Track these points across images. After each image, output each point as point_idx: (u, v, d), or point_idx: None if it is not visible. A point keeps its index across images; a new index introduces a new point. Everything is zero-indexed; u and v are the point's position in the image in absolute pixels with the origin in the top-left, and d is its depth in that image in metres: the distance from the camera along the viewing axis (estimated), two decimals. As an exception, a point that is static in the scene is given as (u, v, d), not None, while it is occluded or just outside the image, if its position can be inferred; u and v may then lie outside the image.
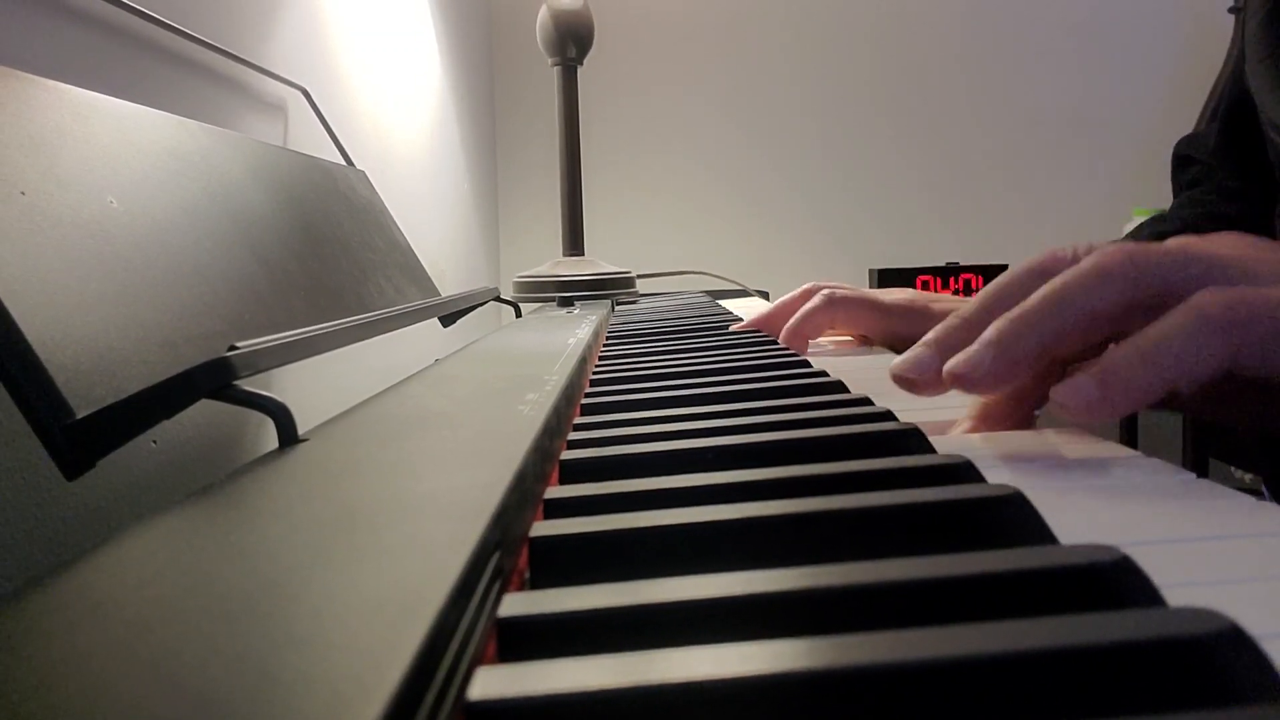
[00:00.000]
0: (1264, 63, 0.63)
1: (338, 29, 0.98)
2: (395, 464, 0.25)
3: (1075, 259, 0.34)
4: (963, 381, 0.31)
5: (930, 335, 0.35)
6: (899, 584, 0.17)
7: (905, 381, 0.34)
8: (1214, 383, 0.29)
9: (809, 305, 0.65)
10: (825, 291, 0.65)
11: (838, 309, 0.64)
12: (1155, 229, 0.80)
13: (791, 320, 0.65)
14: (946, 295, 0.70)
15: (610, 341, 0.69)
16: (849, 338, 0.70)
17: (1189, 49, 2.03)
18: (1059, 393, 0.29)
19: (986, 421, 0.36)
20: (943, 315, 0.63)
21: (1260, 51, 0.63)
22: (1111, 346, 0.29)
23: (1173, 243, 0.34)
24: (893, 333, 0.65)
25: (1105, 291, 0.30)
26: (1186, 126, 0.81)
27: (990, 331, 0.31)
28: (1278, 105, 0.61)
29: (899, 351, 0.66)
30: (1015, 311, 0.31)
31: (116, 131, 0.41)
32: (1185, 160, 0.86)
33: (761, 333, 0.67)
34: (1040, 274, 0.34)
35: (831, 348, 0.67)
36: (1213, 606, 0.15)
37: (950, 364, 0.32)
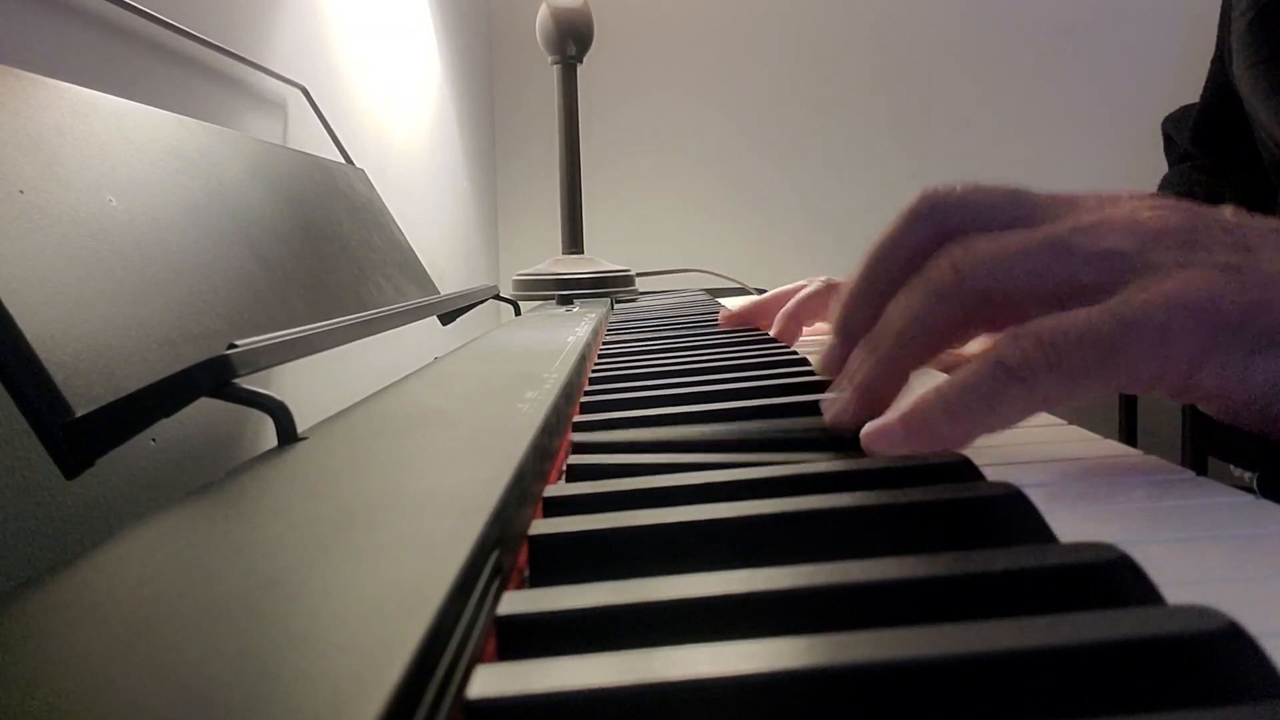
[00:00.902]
0: (1253, 69, 0.63)
1: (337, 27, 0.98)
2: (395, 462, 0.25)
3: (945, 205, 0.35)
4: (837, 425, 0.33)
5: (833, 321, 0.37)
6: (898, 582, 0.17)
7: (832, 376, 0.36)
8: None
9: (808, 289, 0.65)
10: (824, 279, 0.66)
11: (835, 295, 0.64)
12: None
13: (789, 304, 0.65)
14: None
15: (609, 339, 0.69)
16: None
17: (1187, 49, 2.02)
18: (868, 432, 0.30)
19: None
20: None
21: (1248, 57, 0.63)
22: (921, 393, 0.30)
23: (1045, 198, 0.35)
24: None
25: (939, 311, 0.32)
26: (1189, 101, 0.81)
27: (854, 373, 0.34)
28: (1272, 113, 0.61)
29: None
30: (868, 349, 0.34)
31: (116, 130, 0.41)
32: (1170, 138, 0.87)
33: (759, 330, 0.67)
34: (915, 220, 0.36)
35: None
36: (1211, 604, 0.15)
37: (826, 414, 0.34)
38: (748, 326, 0.69)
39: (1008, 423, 0.29)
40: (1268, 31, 0.61)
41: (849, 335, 0.36)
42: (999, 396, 0.28)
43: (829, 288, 0.65)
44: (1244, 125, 0.69)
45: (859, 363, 0.34)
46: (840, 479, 0.25)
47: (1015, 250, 0.31)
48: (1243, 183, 0.74)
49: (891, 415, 0.30)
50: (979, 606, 0.17)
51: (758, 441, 0.32)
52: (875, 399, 0.33)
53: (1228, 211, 0.31)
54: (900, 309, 0.33)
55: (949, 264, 0.32)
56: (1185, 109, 0.87)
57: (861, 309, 0.35)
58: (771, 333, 0.65)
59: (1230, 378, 0.27)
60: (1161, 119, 1.95)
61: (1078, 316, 0.28)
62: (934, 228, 0.34)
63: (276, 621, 0.14)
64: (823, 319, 0.68)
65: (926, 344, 0.33)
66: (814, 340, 0.70)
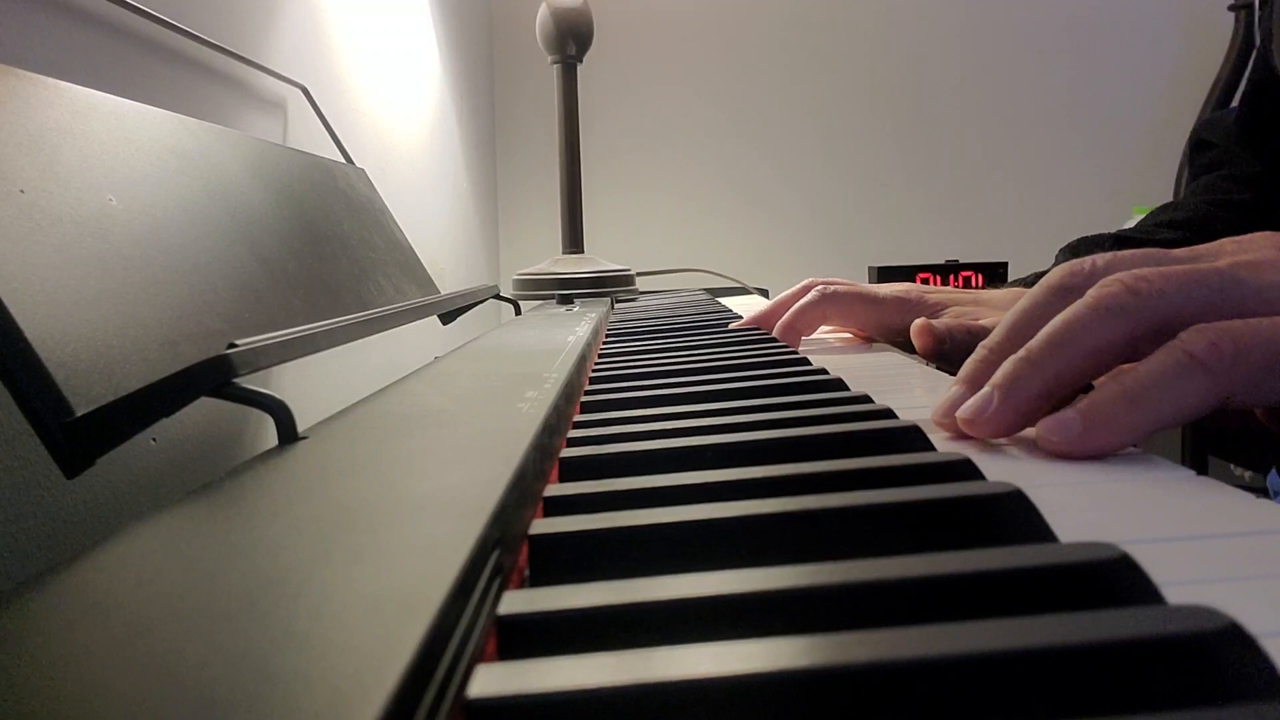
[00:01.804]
0: None
1: (337, 27, 0.98)
2: (395, 462, 0.25)
3: (1093, 273, 0.34)
4: (972, 428, 0.32)
5: (962, 373, 0.35)
6: (898, 582, 0.17)
7: (952, 426, 0.33)
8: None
9: (803, 301, 0.65)
10: (819, 287, 0.65)
11: (830, 304, 0.64)
12: (1166, 216, 0.79)
13: (785, 315, 0.65)
14: (941, 287, 0.70)
15: (610, 339, 0.69)
16: (847, 334, 0.70)
17: (1188, 47, 2.02)
18: (1044, 427, 0.29)
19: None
20: (936, 306, 0.63)
21: None
22: (1099, 383, 0.30)
23: (1183, 253, 0.34)
24: (887, 325, 0.65)
25: (1106, 329, 0.31)
26: (1186, 123, 0.81)
27: (997, 375, 0.32)
28: None
29: (899, 345, 0.65)
30: (1020, 353, 0.32)
31: (116, 129, 0.41)
32: (1202, 145, 0.86)
33: (760, 330, 0.67)
34: (1061, 291, 0.34)
35: (836, 344, 0.67)
36: (1212, 604, 0.15)
37: (961, 410, 0.32)
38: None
39: (1188, 415, 0.28)
40: None
41: (976, 386, 0.34)
42: (1183, 386, 0.28)
43: (824, 298, 0.65)
44: None
45: (1004, 367, 0.32)
46: (840, 478, 0.25)
47: (1189, 277, 0.31)
48: None
49: (1067, 411, 0.29)
50: (979, 606, 0.17)
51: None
52: (1020, 402, 0.31)
53: None
54: (1062, 320, 0.32)
55: (1121, 283, 0.31)
56: (1221, 113, 0.86)
57: (996, 366, 0.33)
58: None
59: None
60: (1161, 119, 1.94)
61: (1264, 321, 0.29)
62: (1080, 294, 0.33)
63: (277, 621, 0.14)
64: (820, 329, 0.68)
65: (1086, 359, 0.31)
66: (812, 340, 0.70)
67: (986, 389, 0.32)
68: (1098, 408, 0.29)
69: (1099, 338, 0.31)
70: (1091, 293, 0.32)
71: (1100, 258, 0.35)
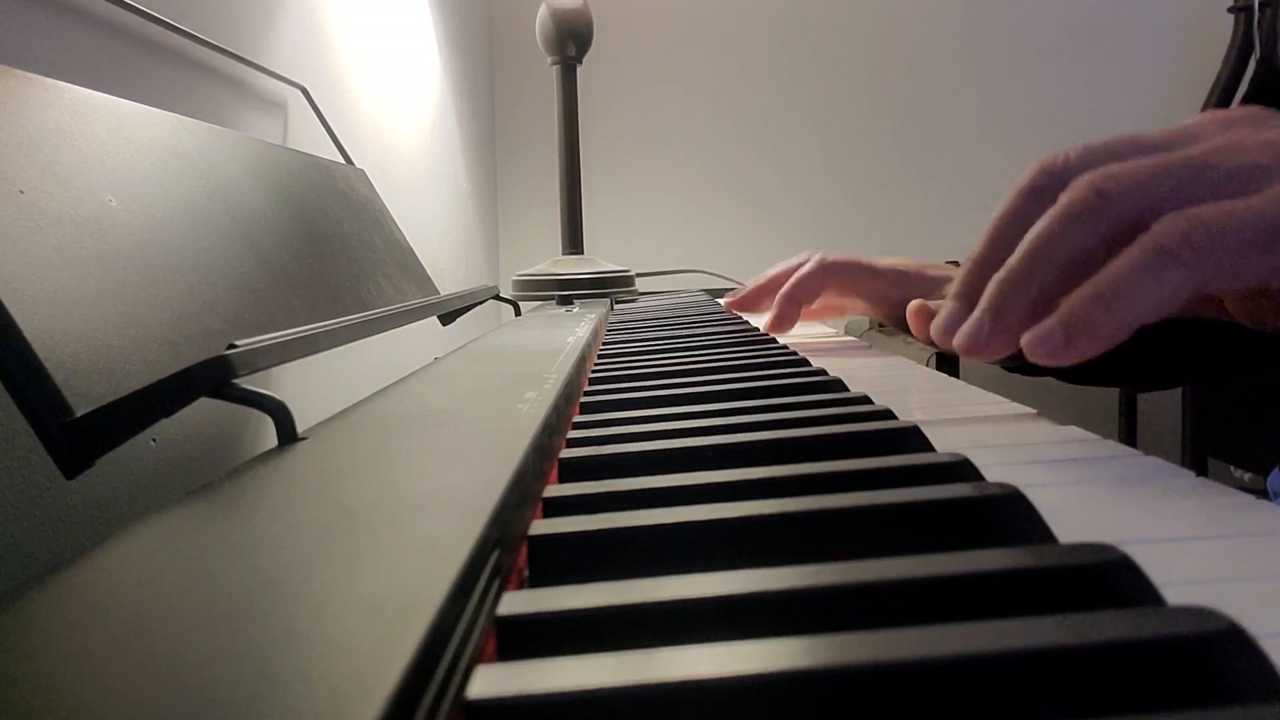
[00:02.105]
0: None
1: (337, 28, 0.98)
2: (394, 462, 0.25)
3: (1066, 169, 0.34)
4: (971, 353, 0.32)
5: (953, 288, 0.35)
6: (898, 583, 0.17)
7: (952, 344, 0.34)
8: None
9: (803, 270, 0.64)
10: (817, 256, 0.65)
11: (830, 273, 0.64)
12: None
13: (785, 287, 0.64)
14: (940, 264, 0.70)
15: (609, 340, 0.69)
16: (850, 338, 0.70)
17: (1188, 48, 2.02)
18: (1029, 340, 0.30)
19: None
20: (939, 279, 0.63)
21: None
22: (1076, 291, 0.30)
23: (1159, 136, 0.34)
24: (885, 297, 0.64)
25: (1079, 235, 0.31)
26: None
27: (984, 297, 0.32)
28: None
29: (894, 323, 0.65)
30: (1002, 272, 0.32)
31: (116, 130, 0.41)
32: None
33: (760, 330, 0.67)
34: (1034, 194, 0.34)
35: (837, 346, 0.67)
36: (1212, 605, 0.15)
37: (956, 339, 0.33)
38: (752, 310, 0.68)
39: (1166, 308, 0.28)
40: None
41: (970, 300, 0.34)
42: (1158, 279, 0.28)
43: (823, 268, 0.64)
44: None
45: (989, 289, 0.32)
46: (840, 479, 0.25)
47: (1156, 169, 0.31)
48: None
49: (1048, 321, 0.29)
50: (979, 607, 0.17)
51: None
52: (1011, 322, 0.31)
53: None
54: (1036, 233, 0.32)
55: (1088, 186, 0.31)
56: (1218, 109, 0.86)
57: (984, 277, 0.34)
58: (770, 316, 0.64)
59: None
60: (1160, 120, 1.94)
61: (1237, 202, 0.28)
62: (1053, 198, 0.33)
63: (276, 622, 0.14)
64: (820, 299, 0.67)
65: (1063, 267, 0.31)
66: (812, 341, 0.69)
67: (977, 314, 0.32)
68: (1076, 313, 0.29)
69: (1073, 245, 0.31)
70: (1061, 199, 0.32)
71: (1071, 150, 0.35)
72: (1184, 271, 0.28)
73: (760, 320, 0.68)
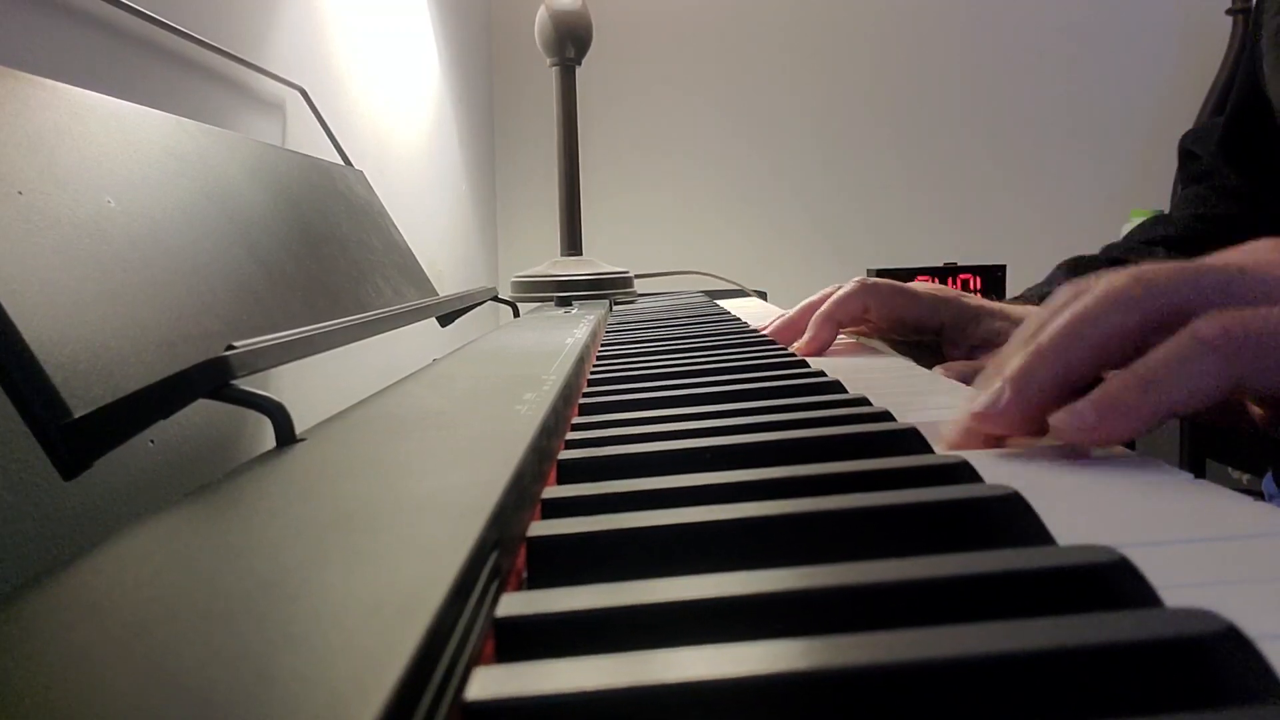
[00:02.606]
0: None
1: (336, 29, 0.98)
2: (393, 464, 0.25)
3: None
4: (985, 422, 0.32)
5: (1008, 371, 0.34)
6: (896, 584, 0.17)
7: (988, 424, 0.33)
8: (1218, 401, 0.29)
9: (843, 290, 0.64)
10: (858, 279, 0.65)
11: (871, 295, 0.64)
12: (1156, 231, 0.79)
13: (825, 305, 0.64)
14: (974, 295, 0.70)
15: (608, 341, 0.69)
16: (851, 340, 0.70)
17: (1186, 49, 2.03)
18: (1058, 419, 0.29)
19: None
20: (975, 308, 0.63)
21: (1276, 58, 0.63)
22: (1111, 373, 0.30)
23: (1194, 262, 0.34)
24: (922, 322, 0.64)
25: (1115, 318, 0.31)
26: (1184, 126, 0.81)
27: (1008, 368, 0.32)
28: None
29: (918, 347, 0.65)
30: (1030, 346, 0.32)
31: (114, 131, 0.41)
32: (1189, 155, 0.86)
33: (759, 332, 0.67)
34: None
35: (840, 350, 0.67)
36: (1210, 607, 0.15)
37: (973, 405, 0.32)
38: (793, 337, 0.67)
39: (1201, 400, 0.28)
40: None
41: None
42: (1195, 369, 0.28)
43: (864, 288, 0.64)
44: (1275, 134, 0.69)
45: (1014, 361, 0.32)
46: (839, 481, 0.25)
47: (1197, 270, 0.31)
48: (1274, 194, 0.74)
49: (1080, 401, 0.29)
50: (977, 609, 0.17)
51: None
52: (1031, 394, 0.31)
53: None
54: (1072, 313, 0.32)
55: (1130, 276, 0.31)
56: (1209, 125, 0.86)
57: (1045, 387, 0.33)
58: (806, 337, 0.63)
59: None
60: (1159, 122, 1.94)
61: (1273, 309, 0.29)
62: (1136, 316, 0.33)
63: (275, 623, 0.14)
64: (859, 322, 0.67)
65: (1096, 349, 0.31)
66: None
67: (998, 384, 0.32)
68: (1111, 394, 0.29)
69: (1108, 327, 0.31)
70: (1099, 286, 0.32)
71: (1104, 274, 0.35)
72: (1220, 365, 0.28)
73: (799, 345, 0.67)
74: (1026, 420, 0.31)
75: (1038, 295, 0.70)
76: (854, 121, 2.07)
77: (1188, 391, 0.28)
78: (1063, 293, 0.35)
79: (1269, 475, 0.85)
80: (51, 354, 0.28)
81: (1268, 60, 0.65)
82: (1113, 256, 0.76)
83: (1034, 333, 0.35)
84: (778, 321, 0.68)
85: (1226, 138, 0.79)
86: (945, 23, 2.05)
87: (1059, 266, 0.77)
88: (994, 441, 0.33)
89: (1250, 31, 0.70)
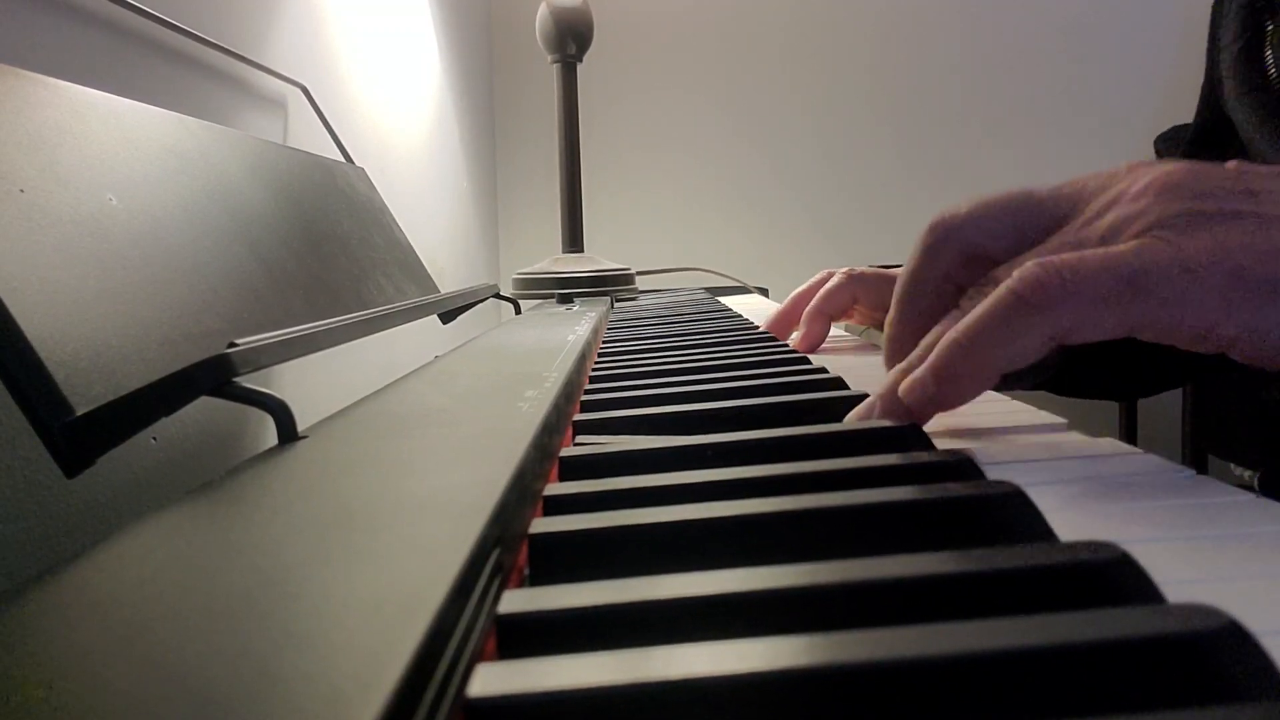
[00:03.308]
0: (1245, 97, 0.62)
1: (337, 26, 0.97)
2: (395, 461, 0.25)
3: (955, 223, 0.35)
4: (915, 413, 0.31)
5: (886, 362, 0.36)
6: (898, 581, 0.17)
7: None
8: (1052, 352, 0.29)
9: (831, 283, 0.64)
10: (845, 270, 0.65)
11: (859, 285, 0.63)
12: None
13: (814, 301, 0.64)
14: None
15: (609, 338, 0.69)
16: (851, 339, 0.70)
17: (1184, 46, 2.02)
18: (905, 387, 0.30)
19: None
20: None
21: (1241, 86, 0.63)
22: (941, 330, 0.30)
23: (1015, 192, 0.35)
24: None
25: (927, 271, 0.34)
26: (1185, 121, 0.81)
27: (934, 356, 0.31)
28: (1266, 141, 0.60)
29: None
30: (952, 335, 0.31)
31: (116, 129, 0.41)
32: (1161, 156, 0.86)
33: (760, 329, 0.67)
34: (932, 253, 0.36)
35: (841, 346, 0.66)
36: (1212, 603, 0.15)
37: (901, 389, 0.31)
38: (788, 331, 0.67)
39: (1028, 355, 0.28)
40: (1258, 60, 0.61)
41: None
42: (1015, 326, 0.28)
43: (851, 279, 0.63)
44: (1239, 150, 0.69)
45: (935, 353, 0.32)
46: (840, 477, 0.25)
47: (999, 202, 0.33)
48: None
49: (921, 369, 0.30)
50: (979, 605, 0.17)
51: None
52: (959, 390, 0.31)
53: (1230, 164, 0.31)
54: (903, 271, 0.34)
55: (931, 223, 0.34)
56: (1178, 129, 0.86)
57: (905, 345, 0.35)
58: (799, 333, 0.63)
59: (1251, 324, 0.27)
60: (1157, 119, 1.94)
61: (1096, 251, 0.28)
62: (952, 253, 0.35)
63: (277, 621, 0.14)
64: (850, 313, 0.67)
65: (923, 313, 0.34)
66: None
67: (921, 373, 0.31)
68: (941, 363, 0.29)
69: (927, 283, 0.33)
70: (992, 299, 0.31)
71: (962, 211, 0.36)
72: (1039, 319, 0.27)
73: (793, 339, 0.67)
74: (952, 407, 0.31)
75: None
76: (855, 118, 2.06)
77: (1010, 351, 0.28)
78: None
79: (1257, 477, 0.85)
80: (54, 352, 0.28)
81: (1227, 88, 0.65)
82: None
83: (907, 326, 0.36)
84: (772, 315, 0.69)
85: (1192, 152, 0.79)
86: (945, 19, 2.05)
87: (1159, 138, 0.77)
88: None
89: (1208, 53, 0.70)
